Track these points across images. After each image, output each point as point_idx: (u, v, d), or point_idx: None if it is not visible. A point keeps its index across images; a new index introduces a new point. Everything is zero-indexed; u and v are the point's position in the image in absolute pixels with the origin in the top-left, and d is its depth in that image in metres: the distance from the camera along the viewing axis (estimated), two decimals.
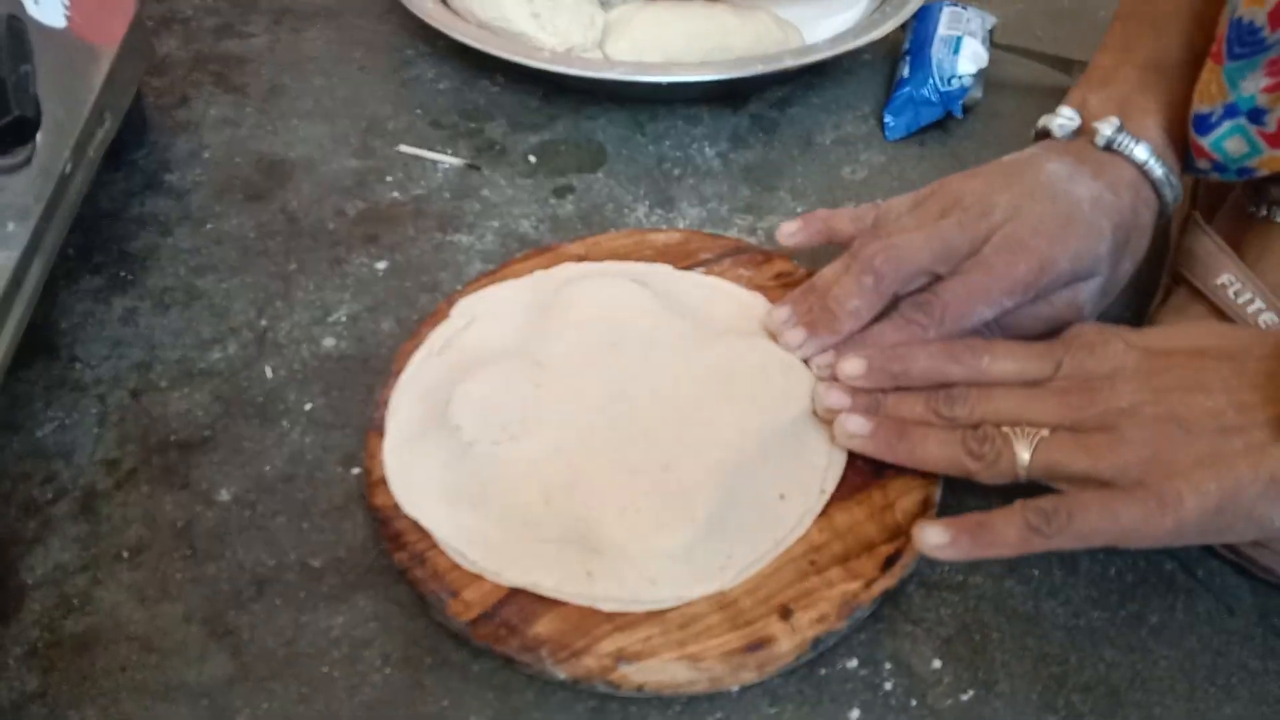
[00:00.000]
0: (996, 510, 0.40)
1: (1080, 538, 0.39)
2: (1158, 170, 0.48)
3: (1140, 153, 0.48)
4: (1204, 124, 0.46)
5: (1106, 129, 0.48)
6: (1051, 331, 0.46)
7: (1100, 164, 0.48)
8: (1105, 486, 0.39)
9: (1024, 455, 0.41)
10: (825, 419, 0.46)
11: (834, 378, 0.46)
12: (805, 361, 0.48)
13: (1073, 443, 0.40)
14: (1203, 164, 0.47)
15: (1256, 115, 0.44)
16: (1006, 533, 0.39)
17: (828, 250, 0.52)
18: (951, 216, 0.47)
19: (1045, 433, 0.41)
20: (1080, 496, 0.39)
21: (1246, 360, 0.40)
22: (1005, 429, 0.42)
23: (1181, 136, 0.49)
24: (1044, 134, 0.52)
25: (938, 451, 0.43)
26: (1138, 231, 0.49)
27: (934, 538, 0.40)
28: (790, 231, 0.52)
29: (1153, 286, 0.55)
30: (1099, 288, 0.48)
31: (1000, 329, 0.48)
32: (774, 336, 0.49)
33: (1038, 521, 0.39)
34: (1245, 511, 0.37)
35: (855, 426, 0.45)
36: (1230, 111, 0.45)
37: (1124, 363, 0.41)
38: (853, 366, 0.45)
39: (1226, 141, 0.46)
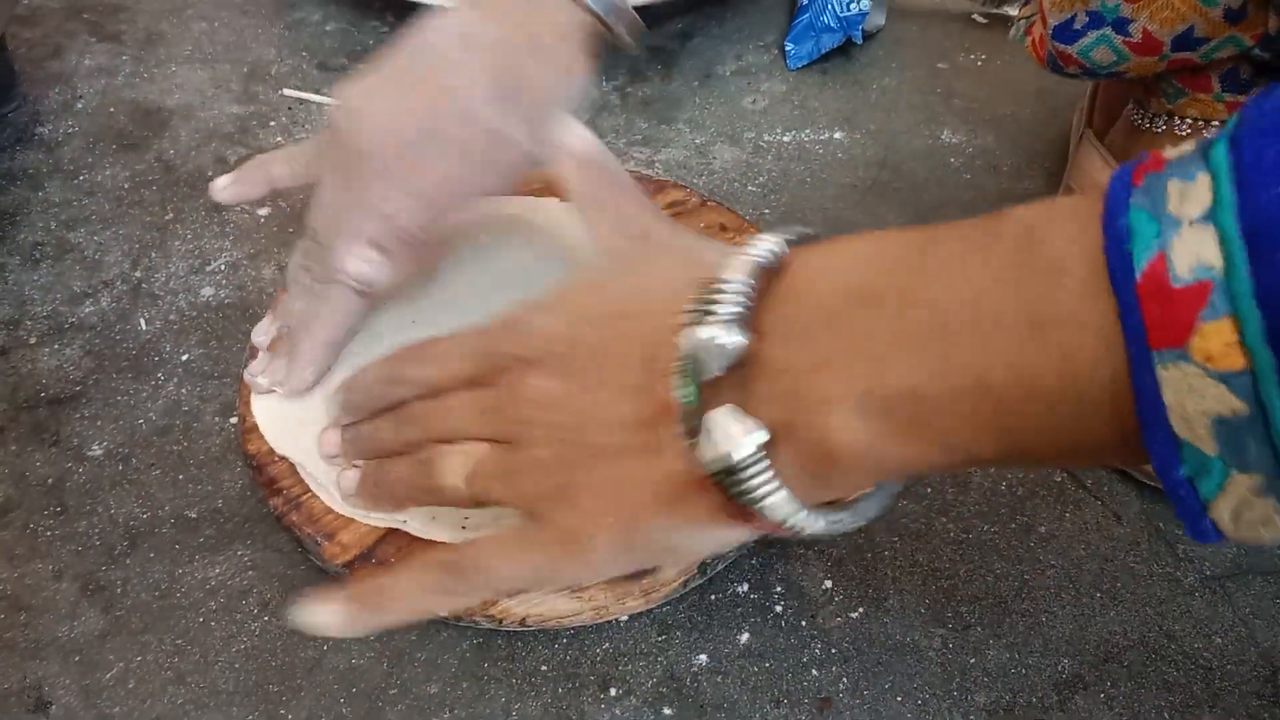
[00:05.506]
0: (402, 568, 0.33)
1: (501, 590, 0.33)
2: None
3: None
4: (1067, 33, 0.45)
5: None
6: None
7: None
8: (530, 518, 0.32)
9: (455, 481, 0.34)
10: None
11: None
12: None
13: (498, 464, 0.32)
14: (1072, 70, 0.47)
15: (1121, 25, 0.43)
16: (412, 599, 0.33)
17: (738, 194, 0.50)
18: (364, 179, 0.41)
19: (483, 449, 0.33)
20: (488, 545, 0.32)
21: (655, 319, 0.29)
22: (433, 448, 0.35)
23: None
24: None
25: (403, 489, 0.37)
26: (544, 54, 0.41)
27: (319, 617, 0.33)
28: (222, 185, 0.46)
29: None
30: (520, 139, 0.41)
31: None
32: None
33: (450, 582, 0.32)
34: (656, 545, 0.30)
35: (346, 484, 0.40)
36: (1095, 21, 0.44)
37: (548, 341, 0.32)
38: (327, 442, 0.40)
39: (1094, 51, 0.45)
